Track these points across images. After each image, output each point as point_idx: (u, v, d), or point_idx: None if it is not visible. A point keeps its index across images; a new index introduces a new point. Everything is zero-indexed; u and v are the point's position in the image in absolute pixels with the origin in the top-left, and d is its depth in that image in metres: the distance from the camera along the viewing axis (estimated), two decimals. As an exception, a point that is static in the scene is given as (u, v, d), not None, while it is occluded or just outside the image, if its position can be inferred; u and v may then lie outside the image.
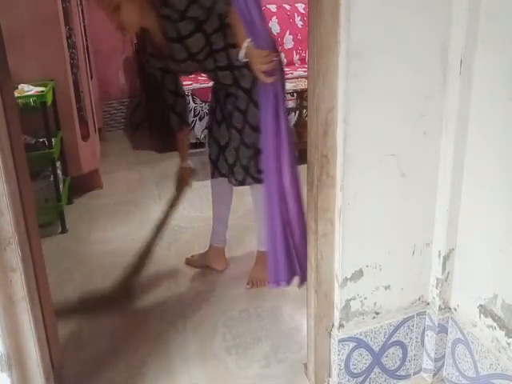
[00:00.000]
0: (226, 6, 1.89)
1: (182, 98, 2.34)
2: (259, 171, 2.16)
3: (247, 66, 1.91)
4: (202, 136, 4.04)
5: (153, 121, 4.34)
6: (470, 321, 1.64)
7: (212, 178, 2.41)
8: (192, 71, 2.27)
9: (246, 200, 3.22)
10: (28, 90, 2.79)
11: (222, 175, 2.34)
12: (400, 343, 1.75)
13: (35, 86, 2.84)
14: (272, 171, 1.78)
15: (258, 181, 2.19)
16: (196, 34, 1.97)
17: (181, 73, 2.27)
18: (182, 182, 2.48)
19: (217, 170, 2.35)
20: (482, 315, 1.59)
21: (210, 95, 2.38)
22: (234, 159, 2.22)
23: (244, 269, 2.51)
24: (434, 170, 1.61)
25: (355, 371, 1.71)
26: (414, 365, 1.80)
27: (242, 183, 2.27)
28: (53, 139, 2.89)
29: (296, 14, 4.45)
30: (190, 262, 2.58)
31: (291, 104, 4.24)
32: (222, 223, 2.51)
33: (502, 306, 1.50)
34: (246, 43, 1.76)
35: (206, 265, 2.53)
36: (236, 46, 1.92)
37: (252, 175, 2.22)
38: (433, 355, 1.76)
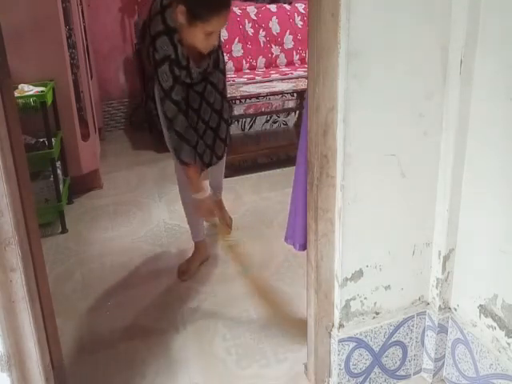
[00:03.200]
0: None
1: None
2: (230, 138, 2.47)
3: (218, 51, 2.27)
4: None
5: (153, 121, 4.34)
6: (470, 321, 1.64)
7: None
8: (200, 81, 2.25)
9: (246, 200, 3.24)
10: (28, 90, 2.79)
11: (207, 165, 2.38)
12: (400, 343, 1.75)
13: (35, 85, 2.84)
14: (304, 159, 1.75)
15: (227, 147, 2.47)
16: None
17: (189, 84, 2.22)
18: (209, 213, 2.36)
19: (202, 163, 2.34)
20: (482, 315, 1.59)
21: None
22: (212, 139, 2.33)
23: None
24: (434, 170, 1.61)
25: (355, 371, 1.71)
26: (414, 365, 1.80)
27: (221, 157, 2.43)
28: (53, 139, 2.89)
29: (296, 14, 4.44)
30: (184, 273, 2.47)
31: (291, 104, 4.24)
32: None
33: (502, 306, 1.50)
34: (201, 195, 2.20)
35: (201, 263, 2.53)
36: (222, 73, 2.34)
37: (226, 145, 2.45)
38: (433, 355, 1.76)
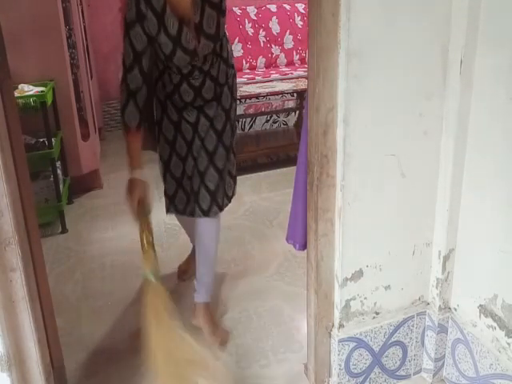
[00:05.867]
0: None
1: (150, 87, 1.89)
2: (227, 197, 2.03)
3: (228, 85, 1.98)
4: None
5: (153, 121, 4.34)
6: (469, 321, 1.64)
7: (167, 213, 2.13)
8: (192, 58, 1.83)
9: (246, 200, 3.23)
10: (28, 90, 2.79)
11: (178, 211, 2.09)
12: (400, 343, 1.75)
13: (35, 85, 2.84)
14: (304, 158, 1.68)
15: (222, 209, 1.99)
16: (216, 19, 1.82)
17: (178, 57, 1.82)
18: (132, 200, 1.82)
19: (172, 206, 2.08)
20: (482, 315, 1.59)
21: (162, 131, 2.07)
22: (198, 184, 1.96)
23: (244, 269, 2.51)
24: (434, 170, 1.61)
25: (355, 371, 1.71)
26: (414, 365, 1.80)
27: (206, 213, 1.95)
28: (53, 139, 2.89)
29: (296, 14, 4.44)
30: (184, 273, 2.46)
31: (291, 104, 4.25)
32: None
33: (502, 306, 1.50)
34: (136, 174, 1.80)
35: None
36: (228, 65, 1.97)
37: (218, 203, 1.95)
38: (433, 355, 1.76)
